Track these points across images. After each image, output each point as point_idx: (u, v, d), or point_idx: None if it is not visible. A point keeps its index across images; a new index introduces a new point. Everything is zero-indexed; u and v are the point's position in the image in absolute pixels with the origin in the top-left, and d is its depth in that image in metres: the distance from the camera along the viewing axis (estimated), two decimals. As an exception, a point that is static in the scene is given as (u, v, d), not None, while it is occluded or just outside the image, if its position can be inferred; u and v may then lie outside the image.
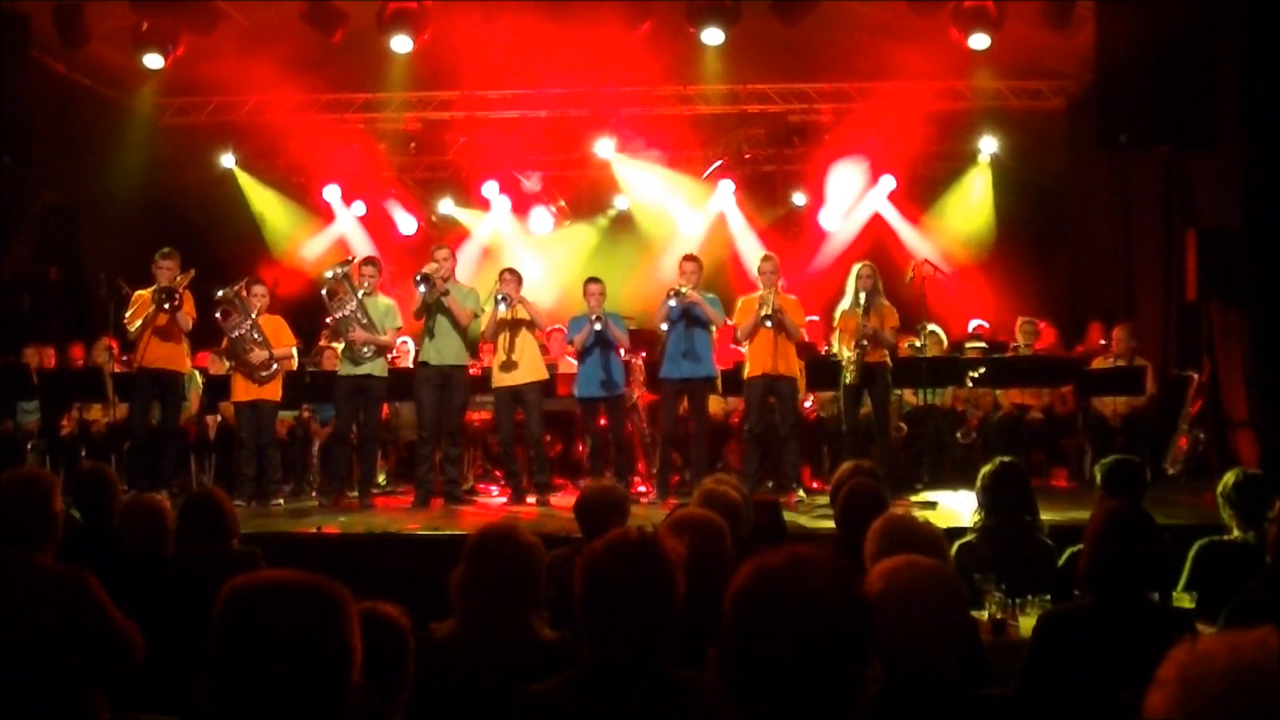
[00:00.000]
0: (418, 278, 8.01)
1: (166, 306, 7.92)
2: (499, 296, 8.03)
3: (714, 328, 8.24)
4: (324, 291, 8.21)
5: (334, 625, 1.49)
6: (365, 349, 8.04)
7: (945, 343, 9.46)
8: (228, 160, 11.96)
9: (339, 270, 8.18)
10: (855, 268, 8.32)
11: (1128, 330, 9.04)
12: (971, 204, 12.06)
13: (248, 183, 12.23)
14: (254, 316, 8.29)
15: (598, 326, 8.11)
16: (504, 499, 8.53)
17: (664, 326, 8.19)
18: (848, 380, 8.13)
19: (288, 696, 1.44)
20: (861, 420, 8.42)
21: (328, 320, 8.42)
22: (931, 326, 8.88)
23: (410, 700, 2.57)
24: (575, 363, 9.62)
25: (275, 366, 8.32)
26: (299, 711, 1.45)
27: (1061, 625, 3.00)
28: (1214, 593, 3.71)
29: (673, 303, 8.02)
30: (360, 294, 8.11)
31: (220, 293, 8.27)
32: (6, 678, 2.91)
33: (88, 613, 3.08)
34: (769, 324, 7.91)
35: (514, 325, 8.15)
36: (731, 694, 1.41)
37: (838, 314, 8.37)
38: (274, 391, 8.39)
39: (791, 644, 1.38)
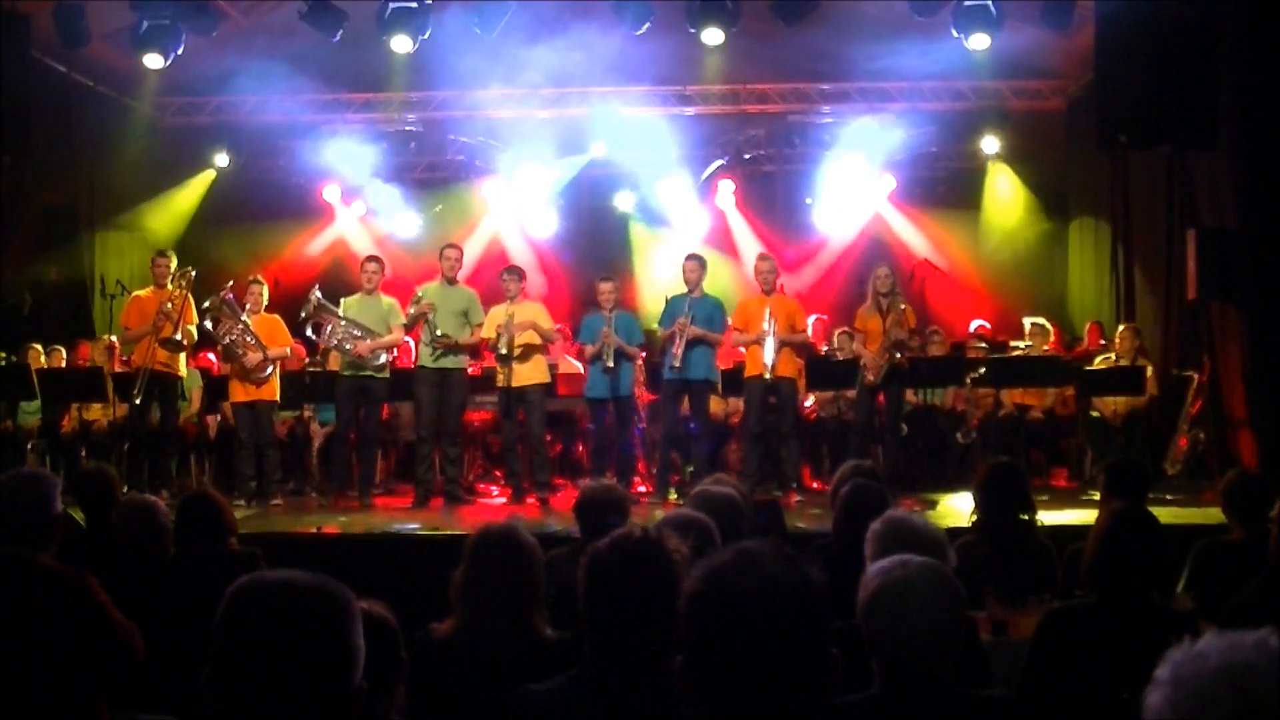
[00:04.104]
0: (426, 329, 8.04)
1: (168, 346, 7.96)
2: (499, 355, 8.05)
3: (718, 344, 8.28)
4: (309, 330, 8.23)
5: (339, 627, 1.49)
6: (375, 356, 8.06)
7: (944, 341, 9.48)
8: (222, 160, 11.97)
9: (309, 305, 8.16)
10: (875, 271, 8.42)
11: (1130, 330, 9.04)
12: (1001, 202, 12.00)
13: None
14: (244, 319, 8.27)
15: (610, 364, 8.09)
16: (504, 499, 8.53)
17: (676, 365, 8.16)
18: (869, 380, 8.13)
19: (291, 698, 1.44)
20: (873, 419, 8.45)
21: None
22: (932, 327, 8.91)
23: (411, 700, 2.57)
24: (575, 362, 9.64)
25: (270, 369, 8.31)
26: (302, 713, 1.45)
27: (1065, 624, 3.00)
28: (1214, 593, 3.71)
29: (676, 363, 8.02)
30: (342, 310, 8.15)
31: (206, 304, 8.27)
32: (7, 678, 2.91)
33: (88, 613, 3.08)
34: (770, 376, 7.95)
35: (518, 328, 8.13)
36: (701, 696, 1.42)
37: (857, 316, 8.43)
38: (271, 391, 8.38)
39: (748, 636, 1.39)
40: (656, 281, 11.65)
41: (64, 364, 9.50)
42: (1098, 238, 10.88)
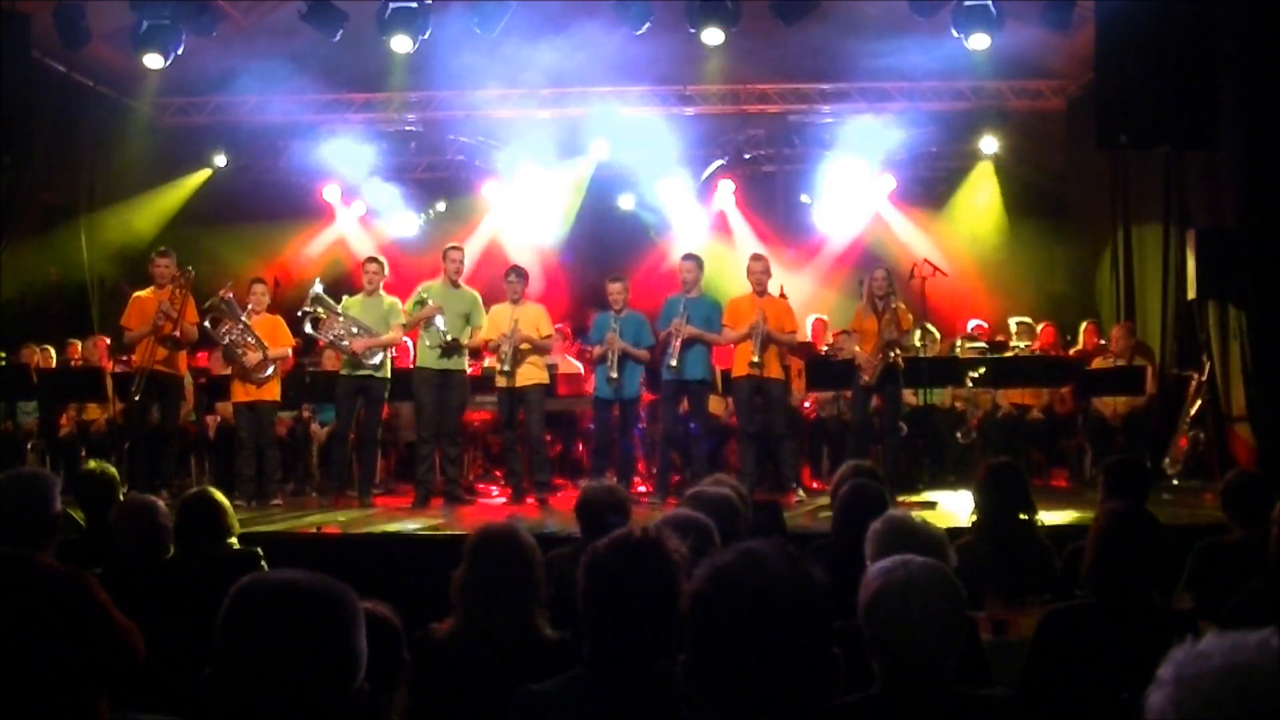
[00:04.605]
0: (432, 332, 8.05)
1: (167, 344, 7.96)
2: (500, 368, 8.04)
3: (715, 345, 8.26)
4: (307, 327, 8.24)
5: (341, 629, 1.49)
6: (370, 355, 8.07)
7: (938, 339, 9.48)
8: (221, 160, 11.98)
9: (310, 301, 8.18)
10: (872, 273, 8.40)
11: (1126, 329, 9.05)
12: (979, 203, 12.05)
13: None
14: (244, 319, 8.29)
15: (614, 374, 8.10)
16: (504, 499, 8.53)
17: (673, 363, 8.16)
18: (865, 381, 8.14)
19: (293, 699, 1.44)
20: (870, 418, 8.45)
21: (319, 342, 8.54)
22: (927, 326, 8.91)
23: (411, 700, 2.57)
24: (575, 362, 9.64)
25: (271, 369, 8.32)
26: (303, 714, 1.45)
27: (1064, 624, 3.00)
28: (1214, 593, 3.71)
29: (674, 362, 8.01)
30: (341, 306, 8.16)
31: (208, 303, 8.28)
32: (6, 678, 2.91)
33: (88, 613, 3.08)
34: (758, 362, 7.92)
35: (519, 339, 8.13)
36: (703, 696, 1.42)
37: (854, 317, 8.43)
38: (272, 392, 8.39)
39: (751, 636, 1.39)
40: (657, 282, 11.65)
41: (54, 363, 9.49)
42: (1098, 238, 10.88)
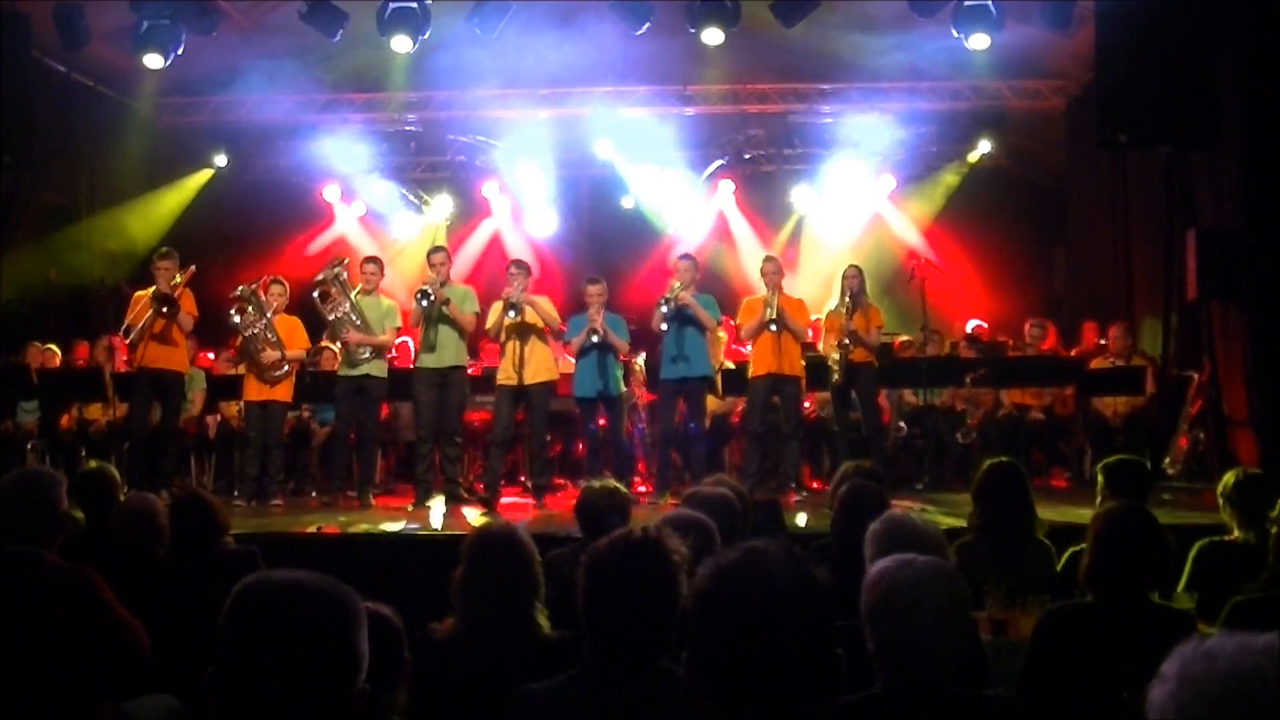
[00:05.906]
0: (418, 293, 7.99)
1: (165, 311, 7.92)
2: (509, 302, 7.96)
3: (709, 329, 8.23)
4: (316, 294, 8.22)
5: (344, 630, 1.49)
6: (361, 350, 8.05)
7: (943, 341, 9.48)
8: (221, 160, 11.98)
9: (331, 271, 8.18)
10: (844, 270, 8.41)
11: (1123, 329, 9.05)
12: (978, 203, 12.03)
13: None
14: (269, 316, 8.30)
15: (595, 339, 8.08)
16: (508, 499, 8.50)
17: (663, 326, 8.16)
18: (834, 380, 8.15)
19: (294, 699, 1.44)
20: (855, 420, 8.45)
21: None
22: (931, 328, 8.91)
23: (411, 700, 2.57)
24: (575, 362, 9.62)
25: (286, 368, 8.33)
26: (304, 714, 1.45)
27: (1063, 624, 3.00)
28: (1214, 593, 3.71)
29: (664, 309, 7.99)
30: (354, 294, 8.13)
31: (239, 289, 8.29)
32: (11, 674, 2.92)
33: (93, 610, 3.09)
34: (774, 329, 7.92)
35: (523, 327, 8.08)
36: (706, 694, 1.42)
37: (824, 314, 8.44)
38: (285, 392, 8.41)
39: (755, 635, 1.40)
40: (657, 281, 11.65)
41: (59, 364, 9.48)
42: (1098, 238, 10.88)
